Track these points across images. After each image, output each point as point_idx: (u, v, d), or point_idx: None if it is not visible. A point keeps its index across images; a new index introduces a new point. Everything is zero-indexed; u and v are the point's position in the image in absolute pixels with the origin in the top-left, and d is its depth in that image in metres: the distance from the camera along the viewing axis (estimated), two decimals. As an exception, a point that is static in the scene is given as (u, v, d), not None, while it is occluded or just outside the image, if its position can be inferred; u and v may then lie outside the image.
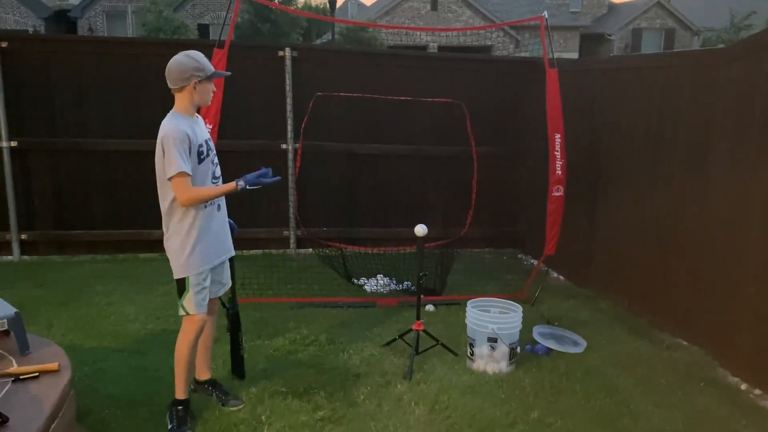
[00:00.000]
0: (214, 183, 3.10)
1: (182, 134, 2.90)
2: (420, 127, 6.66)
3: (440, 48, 26.76)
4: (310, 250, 6.53)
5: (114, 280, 5.46)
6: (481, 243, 7.01)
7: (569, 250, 5.55)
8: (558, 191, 4.95)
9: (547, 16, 4.92)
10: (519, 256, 6.93)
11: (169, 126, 2.93)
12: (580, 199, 5.48)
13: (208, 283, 3.14)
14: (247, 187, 3.02)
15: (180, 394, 3.18)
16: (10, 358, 2.97)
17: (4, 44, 5.88)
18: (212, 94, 3.14)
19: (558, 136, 4.89)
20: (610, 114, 5.26)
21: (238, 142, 6.34)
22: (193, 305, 3.07)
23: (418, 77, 6.58)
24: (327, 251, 5.97)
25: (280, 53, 6.33)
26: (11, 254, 6.19)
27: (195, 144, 2.97)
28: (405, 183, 6.76)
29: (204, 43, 4.62)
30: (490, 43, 28.70)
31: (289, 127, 6.41)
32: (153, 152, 2.99)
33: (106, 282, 5.39)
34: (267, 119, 6.43)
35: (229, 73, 3.55)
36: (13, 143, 6.01)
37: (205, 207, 3.05)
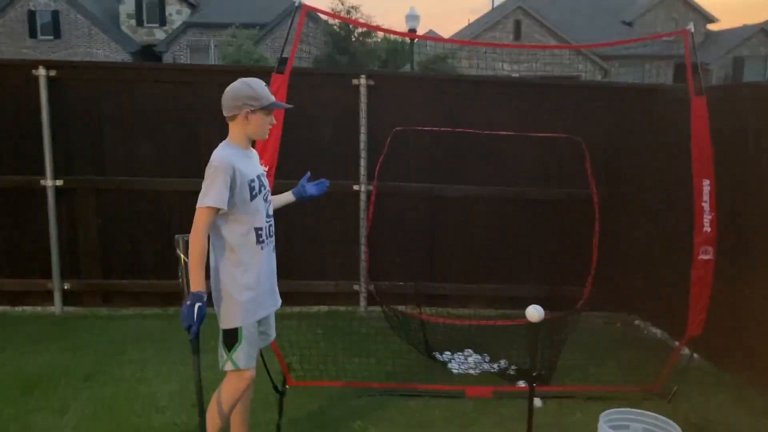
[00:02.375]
0: (267, 222, 2.85)
1: (227, 165, 2.64)
2: (516, 167, 5.63)
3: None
4: (384, 308, 5.58)
5: (155, 343, 4.67)
6: (587, 305, 5.85)
7: (708, 321, 4.36)
8: (706, 254, 3.80)
9: (692, 30, 3.84)
10: (636, 322, 5.71)
11: (217, 154, 2.69)
12: (722, 262, 4.29)
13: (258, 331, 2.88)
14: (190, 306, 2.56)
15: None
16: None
17: (53, 73, 5.32)
18: (270, 128, 2.88)
19: (707, 182, 3.77)
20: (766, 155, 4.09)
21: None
22: (243, 359, 2.77)
23: (513, 107, 5.58)
24: (400, 315, 4.98)
25: (355, 81, 5.50)
26: (53, 305, 5.55)
27: (245, 178, 2.72)
28: (497, 231, 5.73)
29: (267, 70, 3.80)
30: (576, 74, 27.32)
31: (363, 166, 5.53)
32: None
33: (145, 346, 4.61)
34: (337, 157, 5.59)
35: (289, 106, 3.10)
36: (59, 182, 5.41)
37: (262, 243, 2.80)
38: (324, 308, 5.67)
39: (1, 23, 27.82)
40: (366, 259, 5.52)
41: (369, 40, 23.66)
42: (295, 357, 4.25)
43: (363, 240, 5.50)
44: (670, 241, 5.25)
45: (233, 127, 2.80)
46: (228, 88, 2.78)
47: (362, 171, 5.53)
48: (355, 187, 5.56)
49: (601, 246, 5.41)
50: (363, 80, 5.49)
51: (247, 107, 2.73)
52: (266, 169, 3.75)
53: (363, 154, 5.52)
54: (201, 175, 4.91)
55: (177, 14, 29.68)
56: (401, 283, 5.60)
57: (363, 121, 5.50)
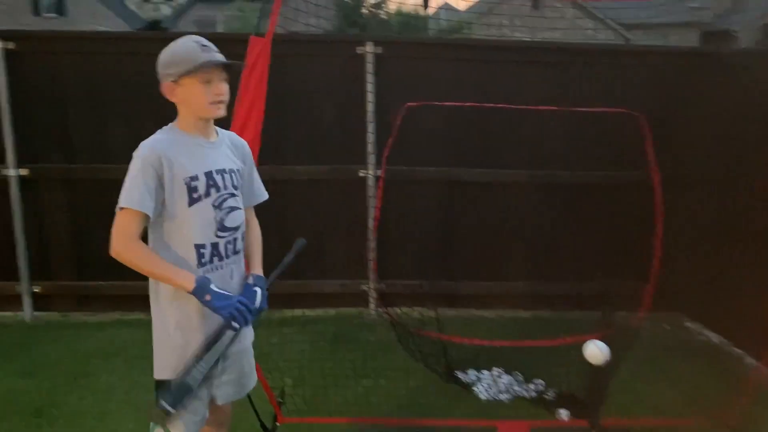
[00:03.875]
0: (221, 237, 2.10)
1: (152, 155, 1.99)
2: (550, 147, 4.85)
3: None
4: (397, 311, 4.86)
5: (127, 362, 3.99)
6: (628, 303, 5.08)
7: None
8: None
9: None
10: (686, 324, 4.96)
11: (144, 142, 2.05)
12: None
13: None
14: (220, 310, 1.99)
15: None
16: None
17: (11, 45, 4.60)
18: (219, 100, 2.08)
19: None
20: None
21: (301, 168, 4.79)
22: (180, 427, 2.04)
23: (546, 76, 4.78)
24: (412, 321, 4.25)
25: (359, 50, 4.73)
26: (22, 310, 4.90)
27: (181, 175, 2.02)
28: (526, 221, 4.97)
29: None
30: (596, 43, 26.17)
31: (370, 148, 4.79)
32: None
33: (115, 365, 3.94)
34: (340, 138, 4.84)
35: (227, 62, 2.10)
36: (23, 171, 4.72)
37: (206, 267, 2.07)
38: (329, 311, 4.97)
39: (4, 2, 27.15)
40: (373, 254, 4.78)
41: (380, 12, 22.74)
42: (290, 379, 3.56)
43: (371, 233, 4.76)
44: (729, 228, 4.47)
45: (178, 108, 2.12)
46: None
47: (370, 154, 4.79)
48: (362, 173, 4.82)
49: (645, 234, 4.63)
50: (369, 48, 4.72)
51: (168, 78, 2.04)
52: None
53: (370, 134, 4.77)
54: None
55: (183, -11, 28.84)
56: (420, 283, 4.88)
57: (370, 96, 4.74)
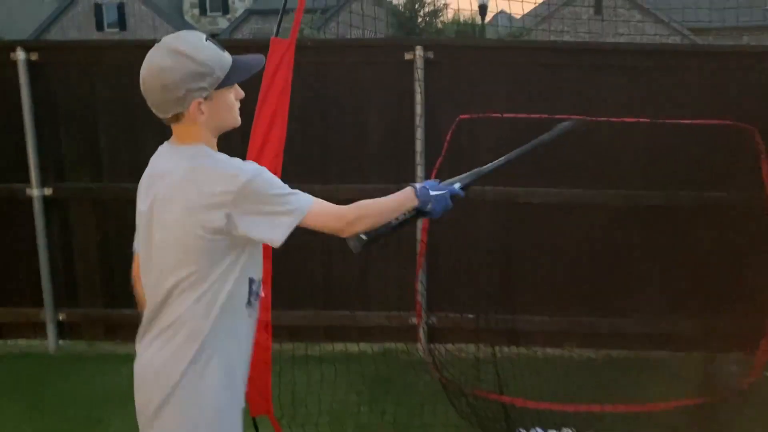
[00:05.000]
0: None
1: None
2: (629, 163, 4.23)
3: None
4: (450, 346, 4.32)
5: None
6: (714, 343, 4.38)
7: None
8: None
9: None
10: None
11: (244, 162, 1.62)
12: None
13: None
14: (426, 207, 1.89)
15: None
16: None
17: (35, 56, 4.31)
18: (238, 105, 1.69)
19: None
20: None
21: (344, 186, 4.31)
22: None
23: (618, 83, 4.18)
24: (466, 367, 3.71)
25: (408, 55, 4.23)
26: (46, 338, 4.59)
27: None
28: (599, 248, 4.35)
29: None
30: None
31: (419, 164, 4.28)
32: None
33: (132, 411, 3.54)
34: (386, 153, 4.36)
35: (259, 58, 1.74)
36: (47, 191, 4.42)
37: (252, 299, 1.69)
38: (372, 346, 4.46)
39: (69, 17, 28.05)
40: (416, 284, 4.25)
41: (436, 20, 22.28)
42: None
43: (419, 259, 4.24)
44: None
45: (186, 129, 1.64)
46: (150, 70, 1.58)
47: (418, 171, 4.28)
48: (410, 192, 4.30)
49: (736, 265, 3.95)
50: (419, 52, 4.21)
51: (199, 93, 1.57)
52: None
53: (419, 148, 4.26)
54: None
55: (240, 2, 29.17)
56: (472, 316, 4.33)
57: (420, 108, 4.24)
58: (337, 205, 1.70)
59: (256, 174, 1.57)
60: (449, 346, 4.32)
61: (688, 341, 4.10)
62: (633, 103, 3.93)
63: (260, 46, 2.65)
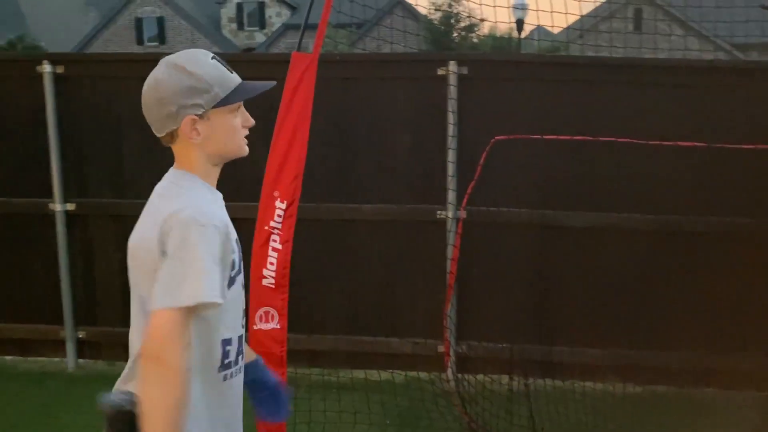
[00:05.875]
0: (243, 328, 1.59)
1: (222, 223, 1.43)
2: (672, 186, 3.97)
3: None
4: (480, 377, 4.10)
5: None
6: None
7: None
8: None
9: None
10: None
11: (198, 205, 1.42)
12: None
13: None
14: None
15: None
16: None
17: (60, 69, 4.25)
18: (246, 133, 1.55)
19: None
20: None
21: (369, 207, 4.15)
22: None
23: (657, 102, 3.94)
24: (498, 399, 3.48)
25: (441, 70, 4.06)
26: (65, 356, 4.50)
27: (233, 246, 1.48)
28: (640, 275, 4.09)
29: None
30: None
31: (450, 185, 4.08)
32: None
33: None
34: (415, 173, 4.18)
35: (269, 83, 1.58)
36: (70, 206, 4.34)
37: (231, 370, 1.52)
38: (398, 375, 4.25)
39: (111, 31, 28.67)
40: (446, 310, 4.04)
41: (472, 35, 22.11)
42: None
43: (448, 292, 4.03)
44: None
45: (182, 151, 1.52)
46: (148, 84, 1.48)
47: (450, 192, 4.09)
48: (440, 214, 4.11)
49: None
50: (453, 67, 4.03)
51: (193, 109, 1.44)
52: (283, 207, 2.40)
53: (451, 172, 4.06)
54: (244, 197, 3.69)
55: (277, 16, 29.46)
56: (503, 346, 4.11)
57: (452, 127, 4.05)
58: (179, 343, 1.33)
59: (200, 226, 1.38)
60: (479, 376, 4.10)
61: (738, 377, 3.82)
62: (675, 123, 3.68)
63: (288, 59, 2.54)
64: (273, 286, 2.47)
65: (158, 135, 1.50)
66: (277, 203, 2.41)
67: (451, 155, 4.05)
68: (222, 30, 29.67)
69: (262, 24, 29.59)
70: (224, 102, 1.46)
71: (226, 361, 1.50)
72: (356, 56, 3.90)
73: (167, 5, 28.00)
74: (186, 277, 1.32)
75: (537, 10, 4.59)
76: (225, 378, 1.51)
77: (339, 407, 3.55)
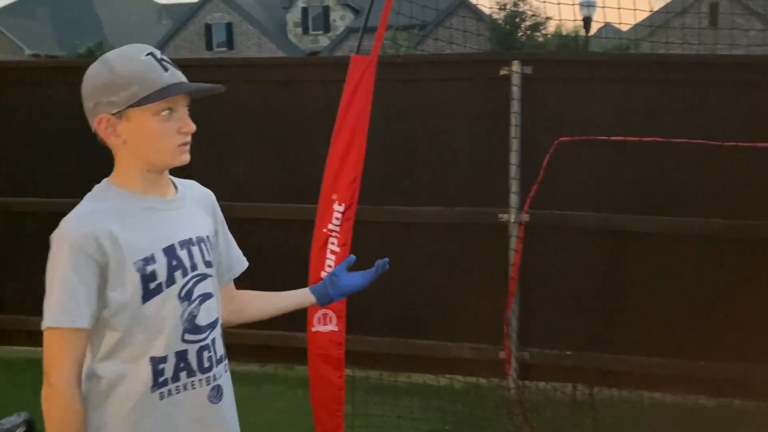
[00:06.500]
0: (193, 344, 1.42)
1: (86, 237, 1.32)
2: (747, 189, 3.76)
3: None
4: (542, 385, 3.99)
5: None
6: None
7: None
8: None
9: None
10: None
11: (68, 218, 1.36)
12: None
13: None
14: None
15: None
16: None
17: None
18: (182, 136, 1.40)
19: None
20: None
21: (428, 210, 4.11)
22: None
23: (734, 101, 3.73)
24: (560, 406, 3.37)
25: (504, 71, 3.98)
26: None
27: (130, 258, 1.35)
28: (713, 282, 3.89)
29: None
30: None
31: (513, 188, 3.99)
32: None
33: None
34: (476, 175, 4.11)
35: (206, 86, 1.46)
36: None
37: (165, 389, 1.41)
38: (457, 380, 4.19)
39: (182, 37, 29.66)
40: (507, 315, 3.95)
41: (537, 34, 21.73)
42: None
43: (509, 298, 3.94)
44: None
45: (115, 157, 1.44)
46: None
47: (513, 194, 4.00)
48: (502, 217, 4.02)
49: None
50: (516, 68, 3.94)
51: (106, 108, 1.36)
52: (343, 209, 2.40)
53: (514, 171, 3.97)
54: (302, 199, 3.71)
55: (341, 20, 29.77)
56: (566, 353, 3.99)
57: (515, 129, 3.96)
58: (77, 362, 1.33)
59: (57, 242, 1.35)
60: (542, 384, 4.00)
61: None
62: (752, 124, 3.48)
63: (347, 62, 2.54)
64: (331, 289, 2.46)
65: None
66: (335, 206, 2.41)
67: (514, 157, 3.96)
68: (288, 35, 30.21)
69: (326, 28, 29.98)
70: (142, 102, 1.34)
71: (161, 380, 1.41)
72: (416, 57, 3.87)
73: (235, 11, 28.75)
74: (47, 299, 1.34)
75: (604, 7, 4.40)
76: (162, 396, 1.41)
77: (397, 411, 3.52)
